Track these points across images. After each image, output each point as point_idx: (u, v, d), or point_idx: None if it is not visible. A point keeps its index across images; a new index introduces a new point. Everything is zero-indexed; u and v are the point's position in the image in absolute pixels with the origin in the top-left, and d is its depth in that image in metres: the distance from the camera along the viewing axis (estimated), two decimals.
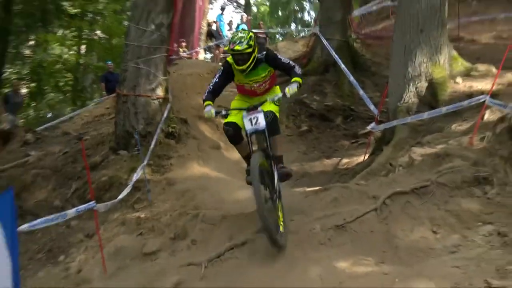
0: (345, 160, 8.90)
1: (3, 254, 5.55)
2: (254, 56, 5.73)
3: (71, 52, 22.65)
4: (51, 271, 6.98)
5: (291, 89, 5.61)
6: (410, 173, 6.31)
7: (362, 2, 17.80)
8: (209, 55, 16.73)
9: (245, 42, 5.61)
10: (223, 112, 5.80)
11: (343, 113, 10.84)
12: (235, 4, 23.96)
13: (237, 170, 8.74)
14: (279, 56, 5.96)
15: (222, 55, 16.42)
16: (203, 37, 18.11)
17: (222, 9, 20.99)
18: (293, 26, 30.58)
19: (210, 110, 5.74)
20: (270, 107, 5.81)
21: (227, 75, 6.03)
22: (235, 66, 5.81)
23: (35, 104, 22.05)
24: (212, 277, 5.38)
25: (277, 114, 5.90)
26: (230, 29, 18.84)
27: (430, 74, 8.00)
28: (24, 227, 5.92)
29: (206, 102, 5.87)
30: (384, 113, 8.61)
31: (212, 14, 20.02)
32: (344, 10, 12.37)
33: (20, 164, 10.26)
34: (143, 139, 8.72)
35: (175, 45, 14.83)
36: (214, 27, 19.02)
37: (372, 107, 9.04)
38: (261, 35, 19.35)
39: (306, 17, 30.30)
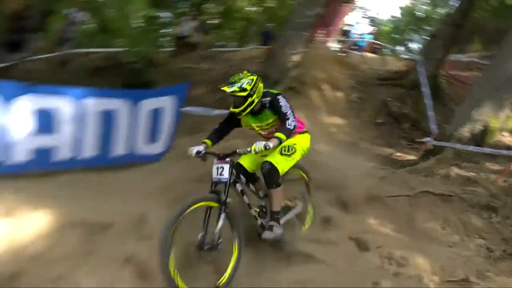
0: (398, 154, 8.58)
1: (170, 121, 6.06)
2: (251, 101, 3.93)
3: (249, 8, 22.78)
4: (190, 139, 7.37)
5: (257, 147, 3.72)
6: (443, 183, 6.07)
7: (457, 51, 16.40)
8: (337, 46, 16.27)
9: (238, 84, 3.88)
10: (201, 154, 3.99)
11: (411, 122, 10.32)
12: (369, 19, 22.89)
13: None
14: (281, 104, 3.96)
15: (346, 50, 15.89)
16: (337, 33, 17.56)
17: (360, 18, 20.24)
18: (400, 48, 28.73)
19: (193, 149, 4.03)
20: (271, 158, 3.97)
21: (232, 117, 4.20)
22: (231, 107, 4.07)
23: (214, 33, 22.59)
24: None
25: (279, 166, 3.95)
26: (359, 35, 18.16)
27: (487, 122, 7.37)
28: (185, 108, 6.32)
29: (203, 140, 4.15)
30: (440, 134, 8.14)
31: (349, 18, 19.11)
32: (445, 52, 11.46)
33: (196, 67, 10.88)
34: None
35: (318, 30, 14.52)
36: (347, 28, 18.38)
37: (433, 126, 8.62)
38: (376, 46, 18.59)
39: (412, 45, 28.24)
